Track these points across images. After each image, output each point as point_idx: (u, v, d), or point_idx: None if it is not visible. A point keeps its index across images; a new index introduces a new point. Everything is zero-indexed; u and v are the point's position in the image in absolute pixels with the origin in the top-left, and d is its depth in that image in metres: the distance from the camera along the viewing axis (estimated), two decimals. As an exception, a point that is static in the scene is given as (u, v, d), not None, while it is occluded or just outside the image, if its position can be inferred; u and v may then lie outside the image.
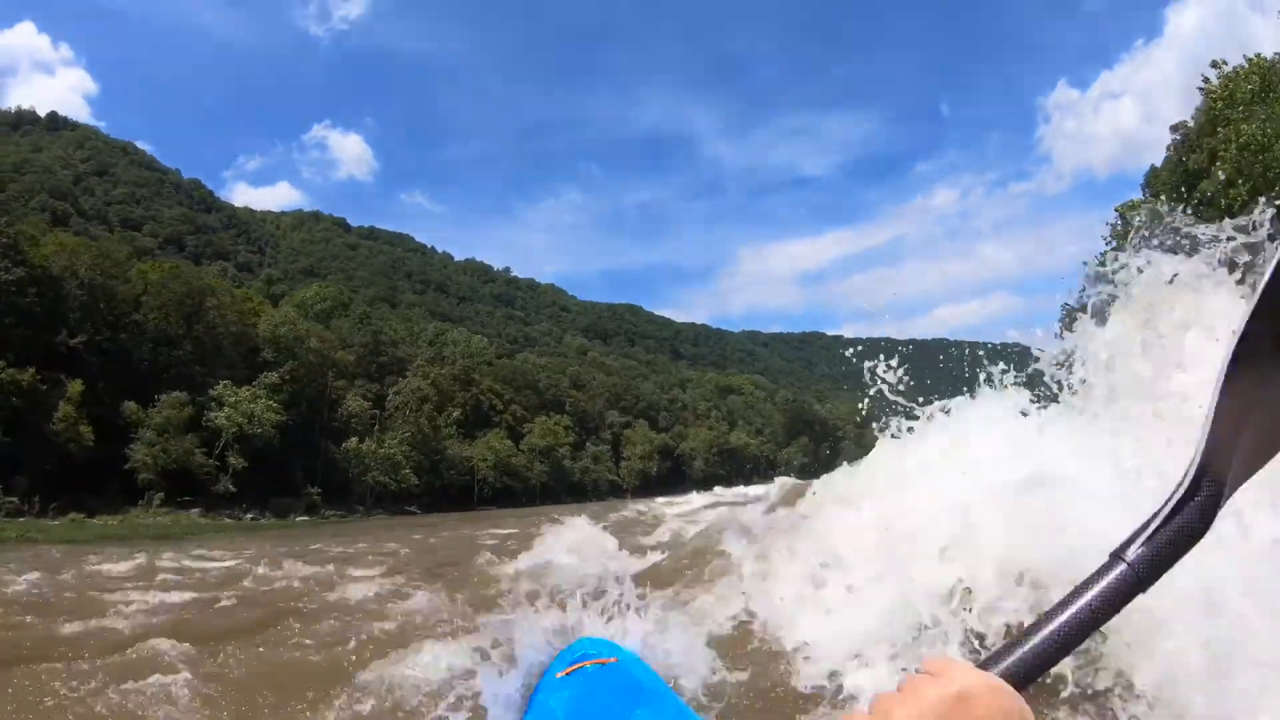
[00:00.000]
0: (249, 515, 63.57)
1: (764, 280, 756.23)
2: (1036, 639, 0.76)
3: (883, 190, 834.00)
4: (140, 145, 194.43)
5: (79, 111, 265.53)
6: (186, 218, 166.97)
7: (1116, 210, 68.50)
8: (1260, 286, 0.66)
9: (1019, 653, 0.75)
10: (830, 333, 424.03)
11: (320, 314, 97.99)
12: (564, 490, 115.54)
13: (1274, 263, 0.66)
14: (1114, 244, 72.11)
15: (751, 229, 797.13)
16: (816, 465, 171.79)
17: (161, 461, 60.39)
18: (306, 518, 66.51)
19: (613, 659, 1.69)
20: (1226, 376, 0.69)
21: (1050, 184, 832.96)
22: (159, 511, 57.97)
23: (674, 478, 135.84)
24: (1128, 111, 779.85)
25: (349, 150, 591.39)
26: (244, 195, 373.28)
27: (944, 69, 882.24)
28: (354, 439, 79.12)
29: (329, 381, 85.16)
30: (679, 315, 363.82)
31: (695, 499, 43.56)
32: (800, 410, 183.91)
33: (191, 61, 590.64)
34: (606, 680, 1.59)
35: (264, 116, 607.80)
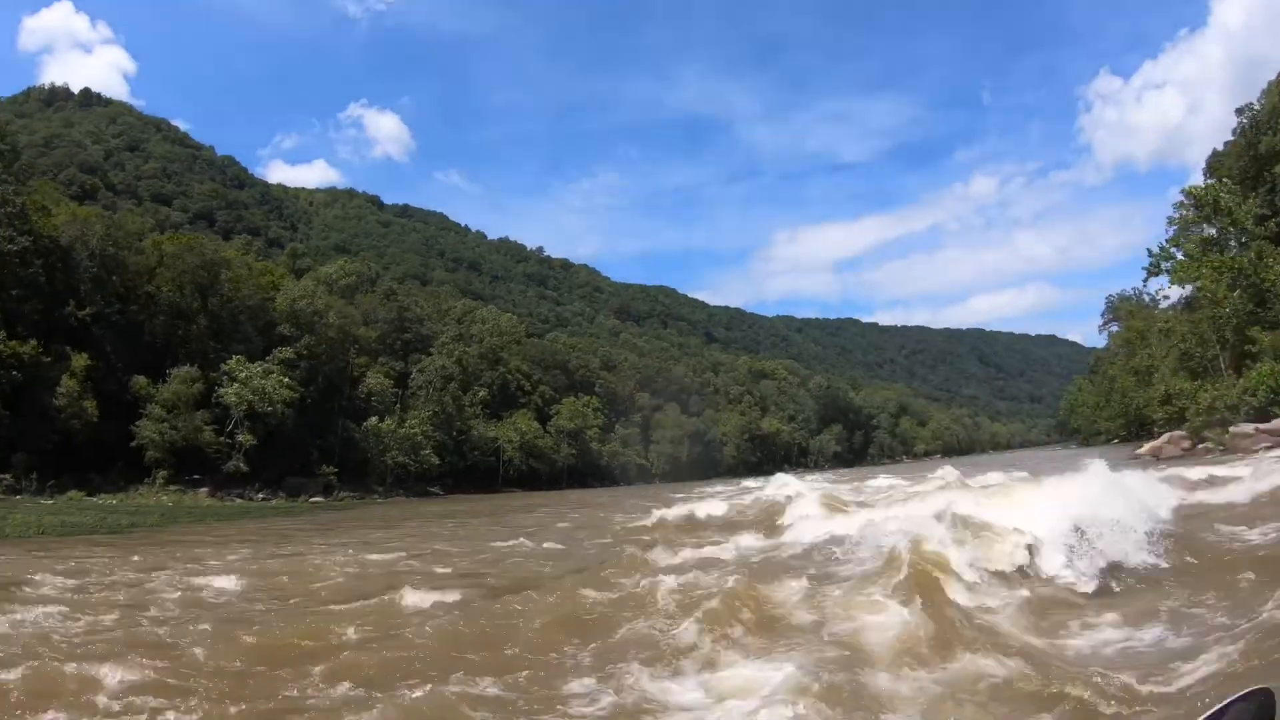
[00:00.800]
0: (260, 495, 61.22)
1: (799, 266, 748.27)
2: None
3: (921, 177, 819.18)
4: (175, 123, 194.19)
5: (118, 90, 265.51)
6: (217, 193, 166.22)
7: (1184, 192, 64.88)
8: None
9: None
10: (865, 319, 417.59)
11: (344, 289, 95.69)
12: (590, 474, 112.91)
13: None
14: (1177, 229, 68.16)
15: (787, 213, 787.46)
16: (850, 454, 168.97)
17: (170, 438, 58.04)
18: (321, 499, 64.04)
19: None
20: None
21: (1090, 175, 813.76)
22: (165, 490, 55.63)
23: (704, 463, 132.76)
24: (1171, 102, 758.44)
25: (385, 129, 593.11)
26: (280, 173, 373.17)
27: (985, 55, 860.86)
28: (374, 418, 76.51)
29: (350, 359, 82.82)
30: (713, 299, 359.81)
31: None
32: (834, 397, 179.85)
33: (229, 41, 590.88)
34: None
35: (301, 96, 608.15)
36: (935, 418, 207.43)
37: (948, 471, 34.08)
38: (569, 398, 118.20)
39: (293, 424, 67.46)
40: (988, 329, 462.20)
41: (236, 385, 61.61)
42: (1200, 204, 56.59)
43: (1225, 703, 1.22)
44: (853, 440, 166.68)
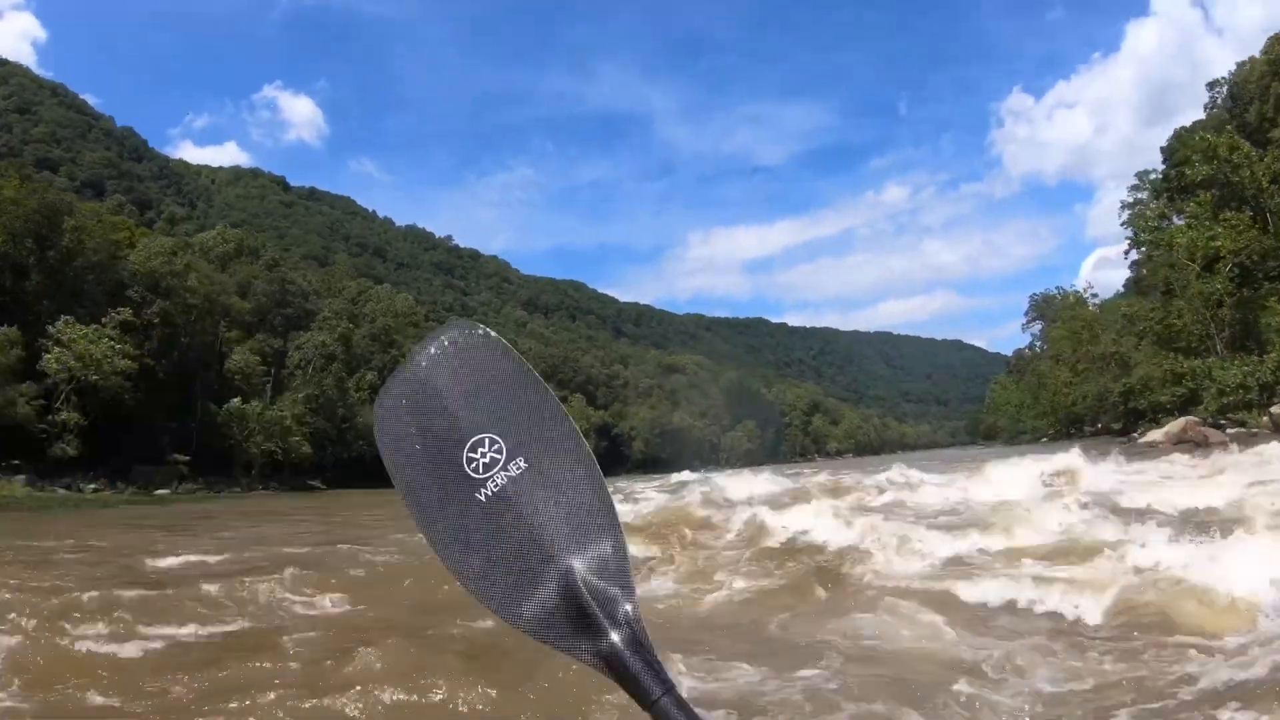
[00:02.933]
0: (91, 487, 51.52)
1: (711, 265, 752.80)
2: None
3: (835, 182, 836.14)
4: (85, 97, 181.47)
5: (26, 58, 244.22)
6: (110, 162, 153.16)
7: (1176, 145, 63.79)
8: None
9: None
10: (775, 320, 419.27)
11: (221, 258, 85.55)
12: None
13: None
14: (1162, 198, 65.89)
15: (702, 214, 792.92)
16: (762, 451, 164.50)
17: (-25, 415, 48.17)
18: (167, 491, 54.68)
19: None
20: None
21: (999, 187, 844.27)
22: (-37, 477, 45.88)
23: (611, 458, 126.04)
24: (1080, 121, 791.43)
25: (300, 112, 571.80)
26: (190, 154, 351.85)
27: (904, 66, 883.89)
28: (238, 399, 67.06)
29: (220, 332, 73.19)
30: (624, 295, 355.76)
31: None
32: (747, 393, 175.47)
33: (144, 13, 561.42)
34: None
35: (215, 75, 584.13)
36: (848, 417, 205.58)
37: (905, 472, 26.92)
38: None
39: (140, 403, 57.82)
40: (895, 332, 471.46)
41: (59, 350, 51.62)
42: (1209, 155, 52.18)
43: None
44: (765, 437, 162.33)
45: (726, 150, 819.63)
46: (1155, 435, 39.79)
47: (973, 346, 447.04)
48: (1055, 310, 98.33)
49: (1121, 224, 73.00)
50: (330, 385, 78.64)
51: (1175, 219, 59.24)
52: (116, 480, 54.08)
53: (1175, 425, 39.74)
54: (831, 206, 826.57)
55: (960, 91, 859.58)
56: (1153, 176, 71.87)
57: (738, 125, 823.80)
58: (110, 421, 54.96)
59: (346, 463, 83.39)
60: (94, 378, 51.65)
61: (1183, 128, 71.15)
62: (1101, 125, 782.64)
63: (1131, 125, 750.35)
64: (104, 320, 55.03)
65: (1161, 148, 73.03)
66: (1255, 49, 61.16)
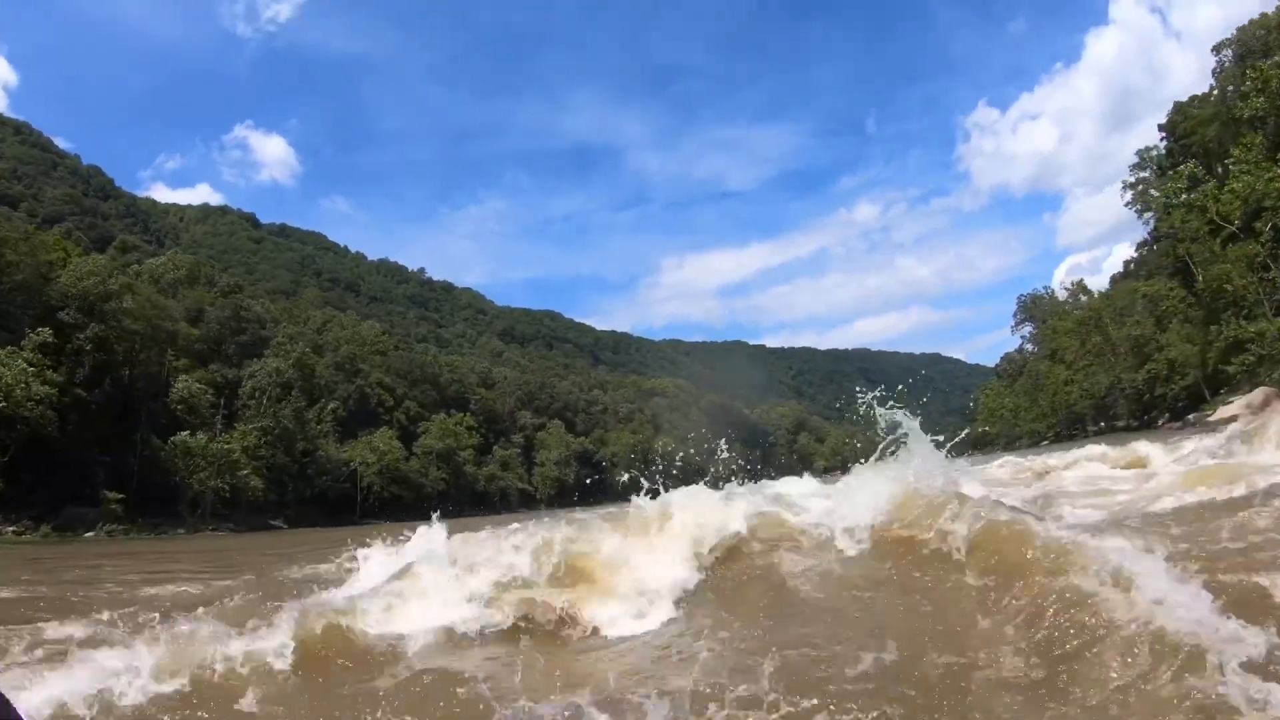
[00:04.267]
0: (10, 529, 45.72)
1: (686, 292, 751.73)
2: None
3: (807, 204, 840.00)
4: (57, 141, 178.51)
5: None
6: (72, 198, 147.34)
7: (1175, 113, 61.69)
8: None
9: None
10: (752, 343, 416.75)
11: (173, 284, 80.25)
12: (466, 500, 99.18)
13: None
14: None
15: (675, 240, 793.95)
16: (748, 473, 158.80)
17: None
18: (91, 534, 48.81)
19: None
20: None
21: (968, 201, 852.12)
22: None
23: (594, 487, 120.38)
24: (1045, 132, 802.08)
25: (271, 152, 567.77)
26: (162, 196, 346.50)
27: (871, 85, 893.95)
28: (185, 433, 61.30)
29: (167, 361, 67.65)
30: (601, 324, 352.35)
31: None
32: (729, 414, 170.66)
33: (115, 56, 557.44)
34: None
35: (185, 115, 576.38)
36: (832, 434, 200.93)
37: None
38: (439, 415, 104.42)
39: (70, 435, 52.21)
40: (873, 349, 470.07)
41: (-36, 376, 45.85)
42: (1261, 86, 48.18)
43: None
44: (751, 458, 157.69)
45: (698, 176, 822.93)
46: (1231, 409, 35.00)
47: (950, 359, 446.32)
48: (1046, 310, 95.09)
49: (1126, 204, 71.37)
50: (288, 416, 73.03)
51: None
52: (42, 522, 48.29)
53: (1255, 396, 35.06)
54: (803, 227, 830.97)
55: (927, 106, 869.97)
56: (1154, 153, 69.89)
57: (708, 151, 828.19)
58: (34, 454, 49.33)
59: (308, 500, 77.85)
60: (1, 404, 45.69)
61: (1181, 101, 69.88)
62: (1066, 135, 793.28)
63: (1095, 134, 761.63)
64: (22, 343, 49.36)
65: (1160, 125, 71.76)
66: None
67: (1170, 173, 66.00)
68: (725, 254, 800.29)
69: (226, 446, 62.59)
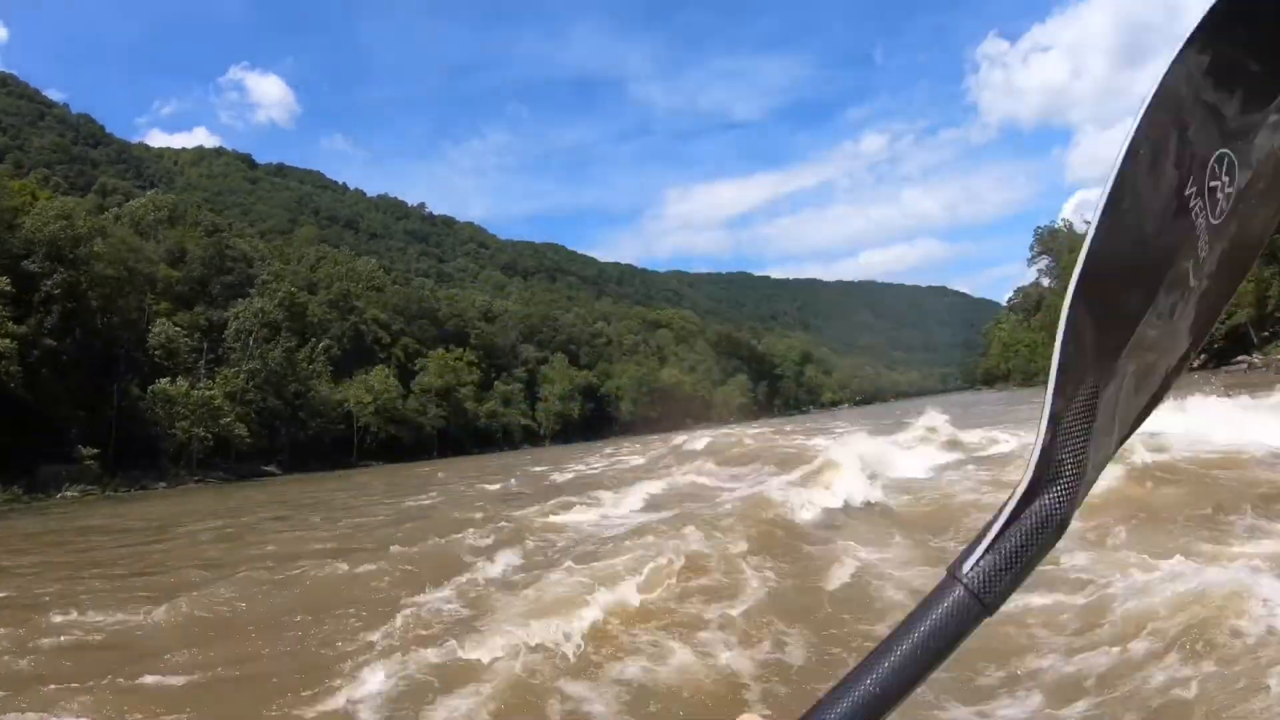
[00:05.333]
0: (-21, 490, 43.42)
1: (691, 223, 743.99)
2: (854, 695, 0.58)
3: (812, 134, 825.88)
4: (50, 94, 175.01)
5: None
6: (60, 147, 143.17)
7: None
8: (1099, 209, 0.56)
9: (834, 712, 0.58)
10: (758, 274, 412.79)
11: (153, 225, 76.88)
12: (466, 438, 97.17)
13: (1114, 172, 0.55)
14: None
15: (679, 171, 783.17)
16: (756, 405, 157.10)
17: None
18: (75, 493, 46.57)
19: None
20: (1069, 323, 0.56)
21: (976, 134, 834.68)
22: None
23: (598, 421, 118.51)
24: (1056, 65, 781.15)
25: (268, 93, 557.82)
26: (158, 141, 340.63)
27: (878, 15, 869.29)
28: (164, 380, 58.69)
29: (147, 307, 64.76)
30: (605, 256, 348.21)
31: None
32: (736, 345, 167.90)
33: (107, 3, 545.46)
34: None
35: (179, 58, 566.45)
36: (840, 367, 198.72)
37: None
38: (438, 350, 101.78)
39: (40, 390, 49.67)
40: (879, 281, 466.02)
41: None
42: None
43: None
44: (758, 391, 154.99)
45: (702, 107, 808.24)
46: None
47: (957, 292, 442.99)
48: (1064, 242, 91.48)
49: None
50: (276, 358, 70.36)
51: None
52: (14, 483, 45.96)
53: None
54: (810, 159, 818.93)
55: (936, 37, 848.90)
56: None
57: (713, 81, 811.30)
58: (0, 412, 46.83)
59: (303, 444, 75.74)
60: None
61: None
62: (1077, 68, 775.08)
63: (1107, 68, 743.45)
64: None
65: None
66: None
67: None
68: (730, 185, 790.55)
69: (208, 393, 59.94)
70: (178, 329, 63.52)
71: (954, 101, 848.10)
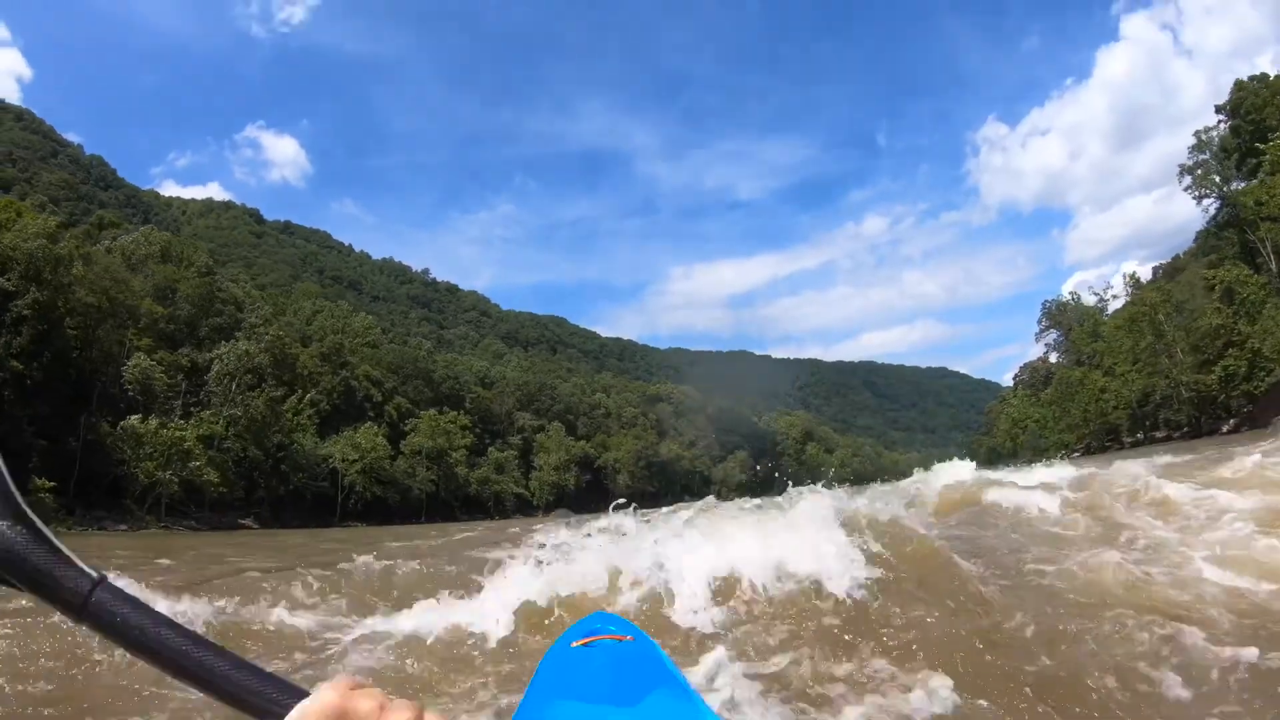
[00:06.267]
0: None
1: (693, 300, 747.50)
2: None
3: (815, 215, 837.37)
4: (73, 139, 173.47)
5: (10, 95, 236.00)
6: (68, 184, 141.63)
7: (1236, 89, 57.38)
8: None
9: None
10: (759, 353, 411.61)
11: (141, 260, 74.09)
12: (457, 504, 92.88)
13: None
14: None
15: (683, 249, 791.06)
16: (756, 483, 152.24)
17: None
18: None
19: (629, 637, 1.53)
20: None
21: (977, 216, 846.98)
22: None
23: (593, 493, 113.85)
24: (1054, 148, 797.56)
25: (282, 152, 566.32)
26: (170, 191, 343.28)
27: (881, 99, 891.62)
28: (135, 417, 54.87)
29: (128, 341, 61.45)
30: (607, 331, 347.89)
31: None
32: (737, 422, 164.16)
33: (130, 53, 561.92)
34: (624, 656, 1.45)
35: (198, 114, 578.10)
36: (841, 445, 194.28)
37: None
38: (430, 412, 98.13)
39: (1, 413, 46.05)
40: (879, 362, 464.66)
41: None
42: None
43: None
44: (758, 468, 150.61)
45: (707, 186, 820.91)
46: None
47: (956, 373, 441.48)
48: (1073, 316, 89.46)
49: (1185, 189, 69.17)
50: (259, 406, 66.69)
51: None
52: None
53: None
54: (812, 240, 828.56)
55: (937, 121, 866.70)
56: (1213, 134, 65.73)
57: (718, 161, 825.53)
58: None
59: (282, 498, 71.78)
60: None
61: (1242, 79, 67.83)
62: (1075, 151, 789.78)
63: (1104, 150, 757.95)
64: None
65: (1218, 106, 69.80)
66: (1225, 68, 59.97)
67: (1231, 154, 62.09)
68: (733, 264, 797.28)
69: (179, 434, 55.98)
70: (156, 365, 59.98)
71: (955, 184, 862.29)
